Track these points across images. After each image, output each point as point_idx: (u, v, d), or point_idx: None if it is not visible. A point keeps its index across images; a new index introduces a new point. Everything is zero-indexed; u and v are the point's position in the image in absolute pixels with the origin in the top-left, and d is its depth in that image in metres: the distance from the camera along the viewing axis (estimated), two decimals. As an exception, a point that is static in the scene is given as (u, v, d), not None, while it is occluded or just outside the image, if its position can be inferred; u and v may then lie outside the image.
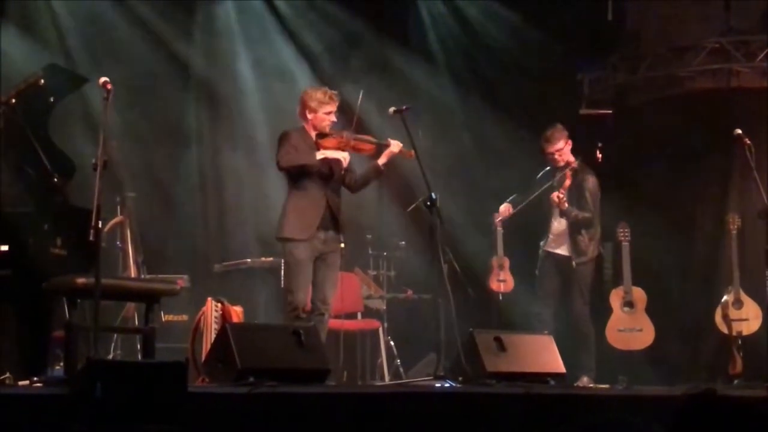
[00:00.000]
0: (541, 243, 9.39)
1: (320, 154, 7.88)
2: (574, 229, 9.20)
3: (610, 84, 11.29)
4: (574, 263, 9.15)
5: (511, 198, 9.49)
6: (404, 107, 7.99)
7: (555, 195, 9.08)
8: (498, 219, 9.52)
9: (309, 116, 8.01)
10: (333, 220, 7.97)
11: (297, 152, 7.91)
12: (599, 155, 10.85)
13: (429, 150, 9.49)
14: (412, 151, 7.96)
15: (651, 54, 10.98)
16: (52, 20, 10.72)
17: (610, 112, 11.23)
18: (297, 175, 7.94)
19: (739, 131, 8.63)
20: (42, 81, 7.22)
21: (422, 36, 11.87)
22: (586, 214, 9.19)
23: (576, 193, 9.19)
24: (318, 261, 7.94)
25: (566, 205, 9.08)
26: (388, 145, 8.01)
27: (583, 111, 11.25)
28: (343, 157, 7.90)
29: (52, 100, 7.42)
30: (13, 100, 7.15)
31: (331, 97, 8.01)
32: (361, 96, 7.99)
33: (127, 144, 10.57)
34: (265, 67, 11.50)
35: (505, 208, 9.37)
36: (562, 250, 9.27)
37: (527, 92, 11.21)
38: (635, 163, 11.04)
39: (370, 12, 11.34)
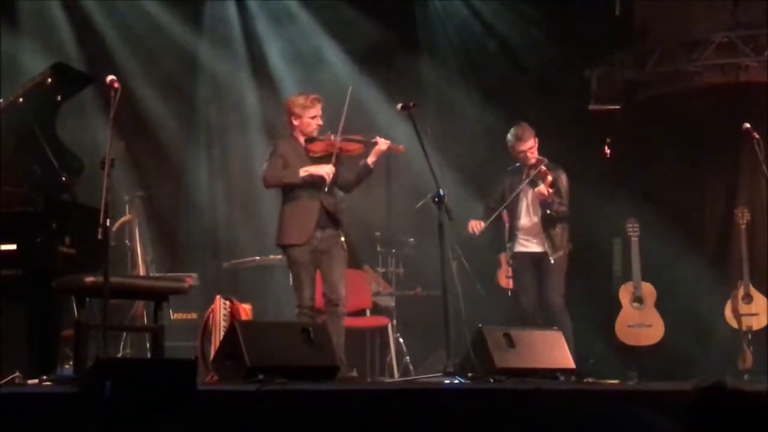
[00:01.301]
0: (508, 245, 9.39)
1: (303, 172, 8.02)
2: (549, 223, 9.18)
3: (619, 80, 11.25)
4: (552, 259, 9.12)
5: (482, 202, 9.46)
6: (411, 104, 8.02)
7: (544, 189, 9.05)
8: (472, 234, 9.37)
9: (295, 123, 8.18)
10: (330, 219, 8.11)
11: (285, 163, 8.07)
12: (608, 151, 10.83)
13: (437, 146, 9.49)
14: (401, 146, 8.19)
15: (659, 49, 10.96)
16: (60, 20, 10.72)
17: (619, 107, 11.19)
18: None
19: (748, 125, 8.60)
20: (49, 80, 7.22)
21: (430, 33, 11.86)
22: (564, 208, 9.20)
23: (552, 189, 9.18)
24: (322, 257, 8.08)
25: (553, 198, 9.08)
26: (376, 143, 8.12)
27: (592, 107, 11.22)
28: (326, 172, 8.01)
29: (59, 98, 7.42)
30: (21, 100, 7.15)
31: (313, 101, 8.17)
32: (349, 92, 8.11)
33: (137, 143, 10.59)
34: (277, 64, 11.50)
35: (475, 224, 9.24)
36: (536, 247, 9.23)
37: (535, 88, 11.18)
38: (644, 158, 11.02)
39: (377, 8, 11.32)
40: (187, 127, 11.45)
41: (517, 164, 9.38)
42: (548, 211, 9.12)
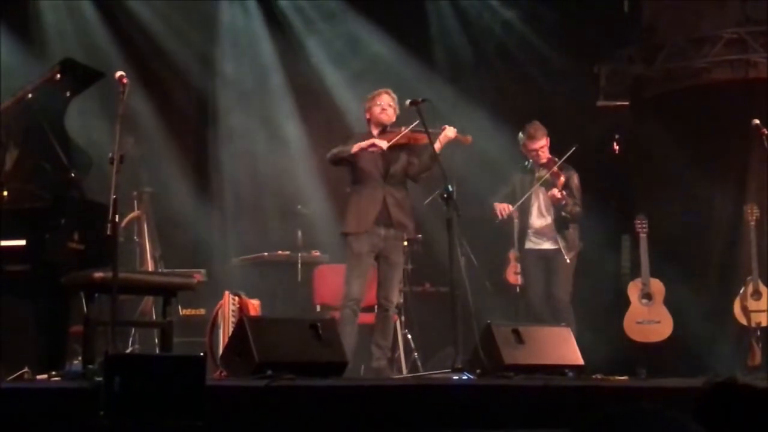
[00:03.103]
0: (519, 243, 9.41)
1: (355, 147, 8.15)
2: (562, 224, 9.21)
3: (627, 76, 11.24)
4: (567, 259, 9.16)
5: (492, 197, 9.47)
6: (420, 99, 8.02)
7: (556, 192, 9.08)
8: (501, 219, 9.42)
9: (368, 116, 8.45)
10: (394, 217, 8.23)
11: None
12: (617, 147, 10.83)
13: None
14: (469, 137, 8.32)
15: (668, 45, 10.94)
16: (72, 17, 10.74)
17: (627, 104, 11.19)
18: (355, 173, 8.30)
19: (757, 121, 8.61)
20: (58, 75, 7.22)
21: (440, 29, 11.86)
22: (578, 208, 9.22)
23: (564, 190, 9.19)
24: (380, 259, 8.24)
25: (567, 200, 9.10)
26: (443, 131, 8.20)
27: (600, 103, 11.22)
28: (376, 141, 8.15)
29: (68, 94, 7.41)
30: (30, 95, 7.15)
31: (378, 92, 8.44)
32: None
33: (145, 138, 10.60)
34: (284, 63, 11.52)
35: (505, 207, 9.31)
36: (548, 245, 9.28)
37: (545, 85, 11.18)
38: (652, 155, 11.00)
39: (385, 5, 11.32)
40: (197, 123, 11.47)
41: (527, 162, 9.39)
42: (563, 213, 9.15)
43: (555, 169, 9.13)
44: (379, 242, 8.17)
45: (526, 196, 9.25)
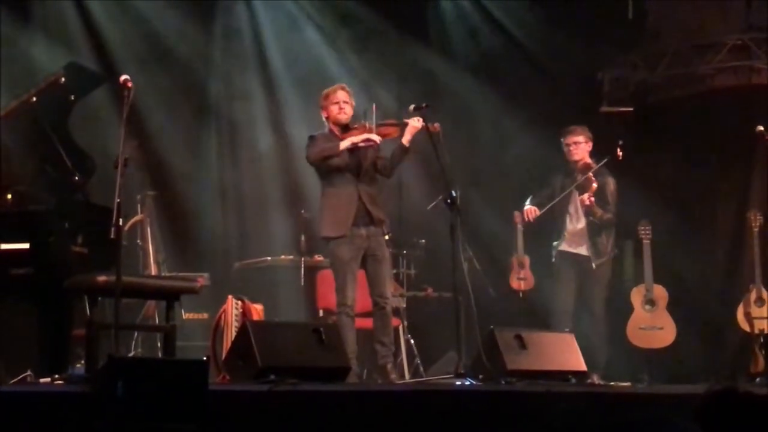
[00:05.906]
0: (555, 243, 9.44)
1: (345, 142, 8.01)
2: (594, 230, 9.26)
3: (631, 82, 11.23)
4: (594, 265, 9.19)
5: (530, 199, 9.50)
6: (424, 105, 8.02)
7: (586, 198, 9.11)
8: (523, 220, 9.51)
9: (324, 115, 8.26)
10: (371, 214, 8.10)
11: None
12: (620, 153, 10.81)
13: (448, 148, 9.49)
14: (437, 124, 8.06)
15: (671, 52, 10.93)
16: (75, 21, 10.74)
17: (631, 109, 11.18)
18: (327, 173, 8.12)
19: (761, 128, 8.61)
20: (62, 79, 7.23)
21: (443, 32, 11.86)
22: (609, 215, 9.25)
23: (598, 195, 9.21)
24: (367, 258, 8.09)
25: (596, 208, 9.14)
26: (407, 124, 8.07)
27: (604, 109, 11.21)
28: (372, 136, 8.02)
29: (72, 98, 7.43)
30: (34, 99, 7.16)
31: (335, 89, 8.27)
32: (374, 108, 8.14)
33: (148, 142, 10.60)
34: (285, 64, 11.52)
35: (531, 210, 9.36)
36: (582, 250, 9.32)
37: (548, 90, 11.18)
38: (656, 160, 11.01)
39: (389, 8, 11.33)
40: (198, 127, 11.46)
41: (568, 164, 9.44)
42: (590, 218, 9.18)
43: (590, 174, 9.17)
44: (363, 243, 8.05)
45: (558, 198, 9.29)
